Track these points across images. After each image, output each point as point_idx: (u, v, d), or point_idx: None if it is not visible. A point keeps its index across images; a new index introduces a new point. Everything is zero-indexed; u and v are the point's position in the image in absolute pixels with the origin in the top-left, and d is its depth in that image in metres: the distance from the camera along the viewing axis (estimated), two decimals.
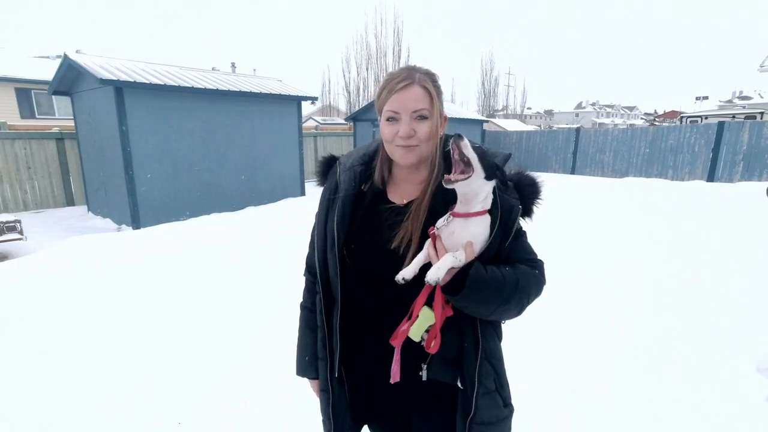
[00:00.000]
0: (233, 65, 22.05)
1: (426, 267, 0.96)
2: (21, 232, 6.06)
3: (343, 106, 31.15)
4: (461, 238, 0.94)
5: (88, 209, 9.12)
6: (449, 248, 0.94)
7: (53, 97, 13.83)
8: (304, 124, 10.81)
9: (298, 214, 7.54)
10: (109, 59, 7.93)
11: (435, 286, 0.94)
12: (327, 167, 1.19)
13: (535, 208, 1.03)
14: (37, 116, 15.86)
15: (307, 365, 1.24)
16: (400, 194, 1.11)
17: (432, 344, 0.95)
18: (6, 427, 2.20)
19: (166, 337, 3.12)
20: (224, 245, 5.66)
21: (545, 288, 1.03)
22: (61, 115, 16.04)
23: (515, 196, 1.00)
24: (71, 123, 9.16)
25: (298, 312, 1.26)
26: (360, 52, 28.33)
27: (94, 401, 2.39)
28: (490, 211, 0.96)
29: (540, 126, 45.39)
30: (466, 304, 0.93)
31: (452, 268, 0.92)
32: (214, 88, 8.18)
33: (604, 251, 4.99)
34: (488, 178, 0.94)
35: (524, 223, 1.04)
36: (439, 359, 1.01)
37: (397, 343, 0.99)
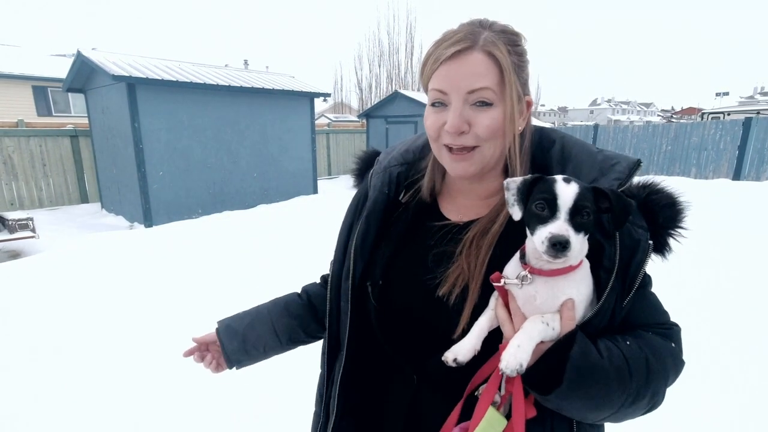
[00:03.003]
0: (246, 62, 22.06)
1: (492, 333, 0.64)
2: (33, 230, 6.04)
3: (355, 104, 31.02)
4: (549, 305, 0.60)
5: (102, 206, 9.14)
6: (530, 314, 0.61)
7: (69, 94, 13.95)
8: (315, 122, 10.70)
9: (311, 213, 7.42)
10: (122, 56, 7.90)
11: None
12: (365, 164, 0.91)
13: (672, 242, 0.67)
14: (53, 114, 16.05)
15: (239, 338, 0.94)
16: (457, 209, 0.79)
17: None
18: (15, 422, 2.11)
19: (176, 338, 3.01)
20: (236, 244, 5.56)
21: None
22: (77, 113, 16.20)
23: (642, 224, 0.65)
24: (87, 120, 9.18)
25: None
26: (372, 48, 28.28)
27: (99, 400, 2.29)
28: (598, 251, 0.62)
29: (554, 123, 44.72)
30: (564, 405, 0.59)
31: (542, 342, 0.59)
32: (227, 84, 8.09)
33: None
34: (588, 232, 0.59)
35: (651, 265, 0.66)
36: None
37: None
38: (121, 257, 4.98)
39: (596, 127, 13.74)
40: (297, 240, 5.36)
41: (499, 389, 0.64)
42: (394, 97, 14.55)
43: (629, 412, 0.61)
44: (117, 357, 2.81)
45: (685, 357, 0.68)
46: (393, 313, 0.76)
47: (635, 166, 0.65)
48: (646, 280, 0.68)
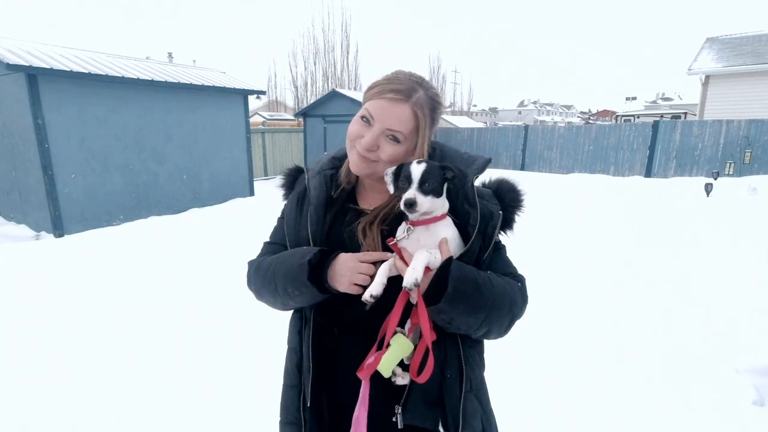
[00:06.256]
0: (170, 55, 20.50)
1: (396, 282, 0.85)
2: None
3: (290, 102, 30.16)
4: (429, 242, 0.86)
5: None
6: None
7: None
8: (250, 120, 10.20)
9: (247, 216, 7.03)
10: (19, 42, 6.93)
11: (409, 304, 0.85)
12: (293, 178, 1.12)
13: (516, 218, 0.97)
14: None
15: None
16: (367, 200, 1.05)
17: (420, 371, 0.81)
18: None
19: (95, 364, 2.63)
20: (163, 252, 5.08)
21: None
22: None
23: (495, 203, 0.95)
24: None
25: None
26: (307, 45, 27.58)
27: None
28: (467, 216, 0.91)
29: (486, 123, 46.76)
30: (451, 311, 0.80)
31: (429, 269, 0.82)
32: (150, 78, 7.42)
33: (558, 250, 4.99)
34: (436, 194, 0.85)
35: (504, 237, 0.99)
36: (417, 398, 0.85)
37: (364, 375, 0.85)
38: (27, 272, 4.34)
39: (527, 127, 14.48)
40: (232, 246, 5.01)
41: (404, 325, 0.88)
42: (332, 95, 14.30)
43: (494, 321, 0.84)
44: (25, 386, 2.38)
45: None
46: None
47: (487, 162, 0.96)
48: (501, 246, 0.98)
